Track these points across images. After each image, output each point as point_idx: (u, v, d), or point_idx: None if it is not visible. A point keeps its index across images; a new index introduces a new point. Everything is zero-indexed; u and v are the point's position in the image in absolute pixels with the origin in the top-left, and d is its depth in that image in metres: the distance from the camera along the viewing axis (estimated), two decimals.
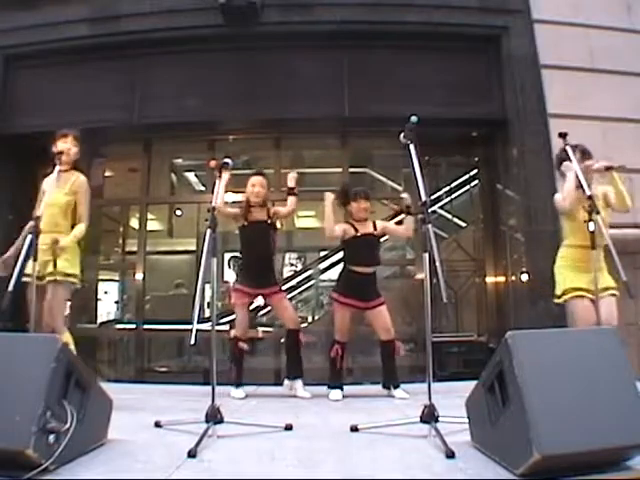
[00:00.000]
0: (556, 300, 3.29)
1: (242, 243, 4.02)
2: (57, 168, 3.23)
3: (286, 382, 3.98)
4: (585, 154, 3.27)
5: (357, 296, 3.85)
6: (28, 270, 2.98)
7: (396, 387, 3.83)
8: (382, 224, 4.09)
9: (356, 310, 3.90)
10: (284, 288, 8.04)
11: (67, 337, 3.27)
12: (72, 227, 3.42)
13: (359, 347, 5.59)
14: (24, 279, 3.00)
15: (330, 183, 6.92)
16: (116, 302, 8.67)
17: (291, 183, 4.02)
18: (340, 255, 7.31)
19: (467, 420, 2.36)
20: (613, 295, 3.15)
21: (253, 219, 3.94)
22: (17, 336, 2.27)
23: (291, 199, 4.00)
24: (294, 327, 3.96)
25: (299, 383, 3.89)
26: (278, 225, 4.10)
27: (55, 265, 3.24)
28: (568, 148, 3.10)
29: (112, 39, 5.54)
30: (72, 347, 3.25)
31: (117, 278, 8.70)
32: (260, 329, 6.84)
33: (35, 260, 2.87)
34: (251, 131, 6.15)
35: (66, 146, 3.41)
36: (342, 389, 3.86)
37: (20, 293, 2.91)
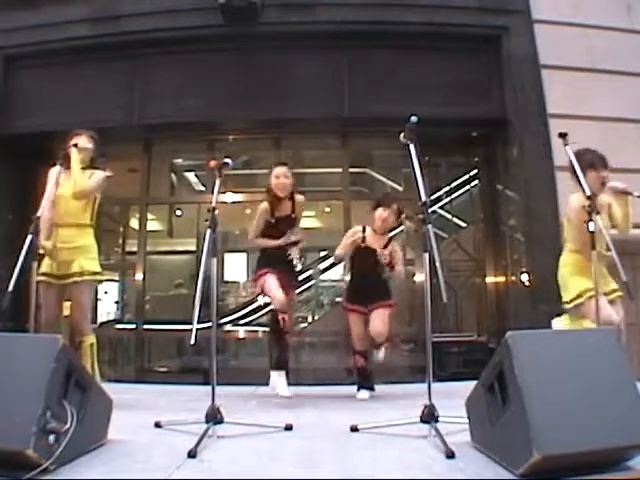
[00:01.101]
0: (568, 305, 3.23)
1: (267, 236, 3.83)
2: (57, 165, 3.23)
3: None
4: (603, 163, 3.22)
5: (361, 301, 3.85)
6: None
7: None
8: (395, 248, 3.93)
9: (364, 315, 3.85)
10: None
11: (92, 338, 3.30)
12: (90, 222, 3.42)
13: None
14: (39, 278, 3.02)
15: (330, 183, 6.95)
16: (116, 302, 8.68)
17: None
18: None
19: (467, 420, 2.35)
20: (620, 297, 3.16)
21: (280, 215, 3.78)
22: (17, 336, 2.27)
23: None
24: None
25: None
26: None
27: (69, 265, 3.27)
28: (568, 148, 3.09)
29: (112, 39, 5.55)
30: (95, 349, 3.29)
31: (117, 278, 8.71)
32: (260, 329, 6.87)
33: (35, 260, 2.87)
34: (251, 131, 6.16)
35: (80, 141, 3.36)
36: (373, 389, 3.86)
37: (22, 293, 2.92)
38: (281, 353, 3.72)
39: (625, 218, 3.23)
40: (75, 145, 3.30)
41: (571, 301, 3.20)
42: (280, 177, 3.76)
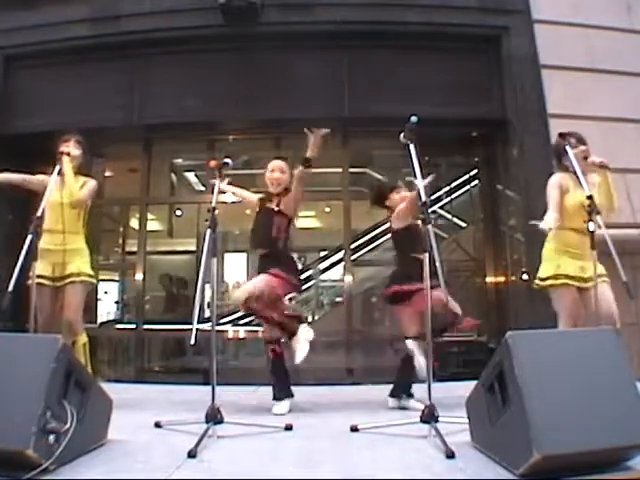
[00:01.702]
0: (538, 282, 3.18)
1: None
2: (57, 169, 3.24)
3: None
4: (580, 141, 3.22)
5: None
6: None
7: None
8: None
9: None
10: None
11: (85, 338, 3.33)
12: (83, 229, 3.46)
13: (359, 347, 5.61)
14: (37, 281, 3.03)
15: (330, 183, 6.95)
16: (116, 302, 8.68)
17: (312, 149, 3.31)
18: (340, 255, 7.35)
19: (467, 420, 2.36)
20: (605, 282, 3.05)
21: (263, 206, 3.50)
22: (17, 336, 2.27)
23: (298, 172, 3.36)
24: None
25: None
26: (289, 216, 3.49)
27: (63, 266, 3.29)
28: (568, 148, 3.09)
29: (112, 39, 5.54)
30: (87, 348, 3.30)
31: (117, 278, 8.71)
32: (260, 329, 6.85)
33: (35, 260, 2.87)
34: (251, 131, 6.15)
35: (67, 149, 3.40)
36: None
37: (22, 293, 2.92)
38: (283, 383, 3.31)
39: (607, 194, 3.14)
40: (67, 154, 3.33)
41: (544, 279, 3.13)
42: (275, 171, 3.47)
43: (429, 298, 2.59)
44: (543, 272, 3.19)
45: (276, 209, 3.44)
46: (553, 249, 3.20)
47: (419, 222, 3.43)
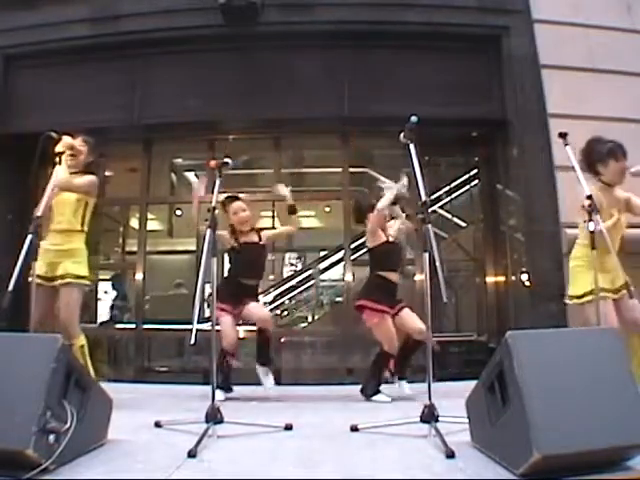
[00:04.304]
0: (575, 301, 3.13)
1: (234, 264, 3.94)
2: (57, 167, 3.23)
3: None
4: (623, 150, 3.15)
5: (388, 303, 3.75)
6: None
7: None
8: (404, 224, 4.01)
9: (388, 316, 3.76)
10: (285, 288, 8.02)
11: (82, 340, 3.29)
12: (82, 227, 3.42)
13: (359, 347, 5.61)
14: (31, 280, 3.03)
15: (330, 183, 6.96)
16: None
17: (289, 199, 3.92)
18: (340, 255, 7.35)
19: (467, 420, 2.36)
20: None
21: (244, 241, 3.87)
22: (17, 336, 2.26)
23: (292, 219, 3.96)
24: (264, 327, 3.86)
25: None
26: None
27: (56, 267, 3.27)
28: (568, 148, 3.08)
29: (112, 39, 5.54)
30: (86, 350, 3.28)
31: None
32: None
33: (35, 260, 2.87)
34: (251, 131, 6.15)
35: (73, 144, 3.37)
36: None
37: (22, 293, 2.91)
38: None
39: None
40: (61, 153, 3.25)
41: (581, 296, 3.07)
42: (239, 212, 3.86)
43: (429, 297, 2.58)
44: (576, 290, 3.12)
45: (261, 243, 3.94)
46: (579, 267, 3.12)
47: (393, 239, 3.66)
